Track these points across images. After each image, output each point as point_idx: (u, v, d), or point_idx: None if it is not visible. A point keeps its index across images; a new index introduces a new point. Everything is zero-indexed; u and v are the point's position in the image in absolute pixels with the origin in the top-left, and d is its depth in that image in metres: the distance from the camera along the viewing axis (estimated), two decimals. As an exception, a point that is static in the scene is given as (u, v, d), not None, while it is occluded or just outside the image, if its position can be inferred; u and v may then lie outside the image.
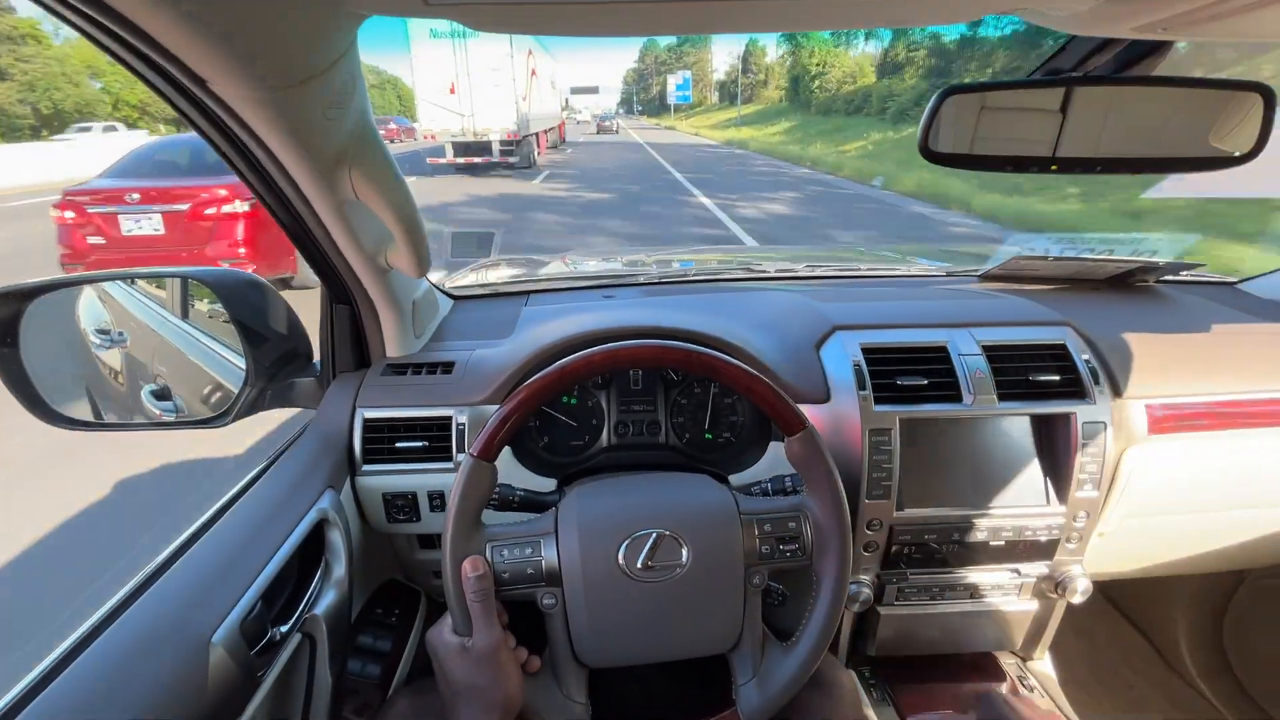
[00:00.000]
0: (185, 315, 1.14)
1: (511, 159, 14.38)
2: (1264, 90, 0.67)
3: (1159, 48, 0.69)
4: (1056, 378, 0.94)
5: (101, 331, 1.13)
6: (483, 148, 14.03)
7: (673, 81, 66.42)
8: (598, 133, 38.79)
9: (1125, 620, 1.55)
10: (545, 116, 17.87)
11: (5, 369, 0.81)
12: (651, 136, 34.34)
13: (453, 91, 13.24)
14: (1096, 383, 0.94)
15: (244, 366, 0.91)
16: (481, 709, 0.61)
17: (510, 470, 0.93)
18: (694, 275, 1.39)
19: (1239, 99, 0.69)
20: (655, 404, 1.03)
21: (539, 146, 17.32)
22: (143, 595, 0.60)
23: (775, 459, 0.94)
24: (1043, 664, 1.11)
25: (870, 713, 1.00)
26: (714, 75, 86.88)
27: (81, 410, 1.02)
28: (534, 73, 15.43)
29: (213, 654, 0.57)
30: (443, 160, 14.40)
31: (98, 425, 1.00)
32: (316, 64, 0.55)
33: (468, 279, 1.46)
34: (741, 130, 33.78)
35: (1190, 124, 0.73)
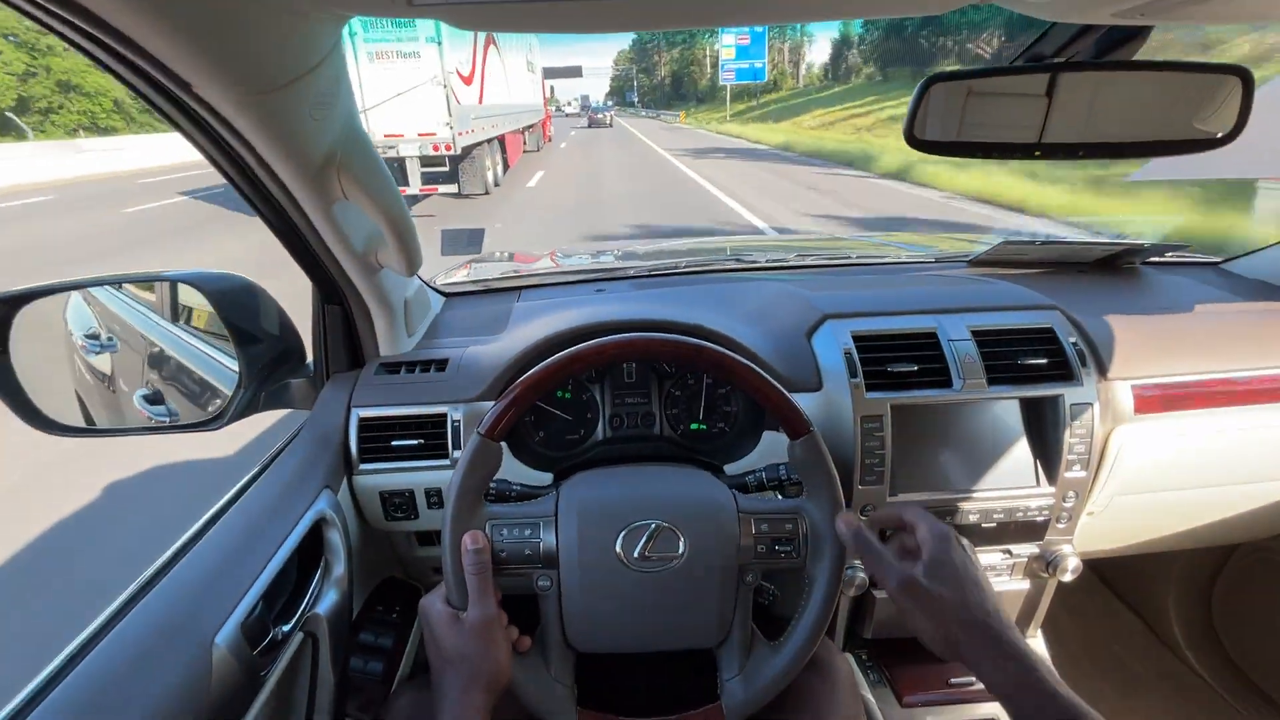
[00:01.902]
0: (175, 319, 1.13)
1: (444, 186, 8.82)
2: (1243, 72, 0.68)
3: (1139, 32, 0.69)
4: (1044, 361, 0.95)
5: (91, 337, 1.13)
6: (395, 171, 8.17)
7: (728, 45, 35.75)
8: (590, 126, 36.26)
9: (1116, 597, 1.58)
10: (515, 110, 12.23)
11: None
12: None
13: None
14: (1084, 365, 0.95)
15: (236, 369, 0.91)
16: (469, 678, 0.62)
17: (506, 465, 0.94)
18: (684, 268, 1.40)
19: (1219, 81, 0.70)
20: (649, 396, 1.03)
21: (507, 155, 11.55)
22: (143, 599, 0.60)
23: (768, 448, 0.95)
24: (1035, 642, 1.13)
25: (868, 694, 1.02)
26: (803, 38, 51.40)
27: (73, 416, 1.02)
28: (490, 43, 10.04)
29: (215, 655, 0.58)
30: None
31: (90, 431, 1.00)
32: (301, 65, 0.55)
33: (458, 276, 1.45)
34: None
35: (1173, 107, 0.74)
